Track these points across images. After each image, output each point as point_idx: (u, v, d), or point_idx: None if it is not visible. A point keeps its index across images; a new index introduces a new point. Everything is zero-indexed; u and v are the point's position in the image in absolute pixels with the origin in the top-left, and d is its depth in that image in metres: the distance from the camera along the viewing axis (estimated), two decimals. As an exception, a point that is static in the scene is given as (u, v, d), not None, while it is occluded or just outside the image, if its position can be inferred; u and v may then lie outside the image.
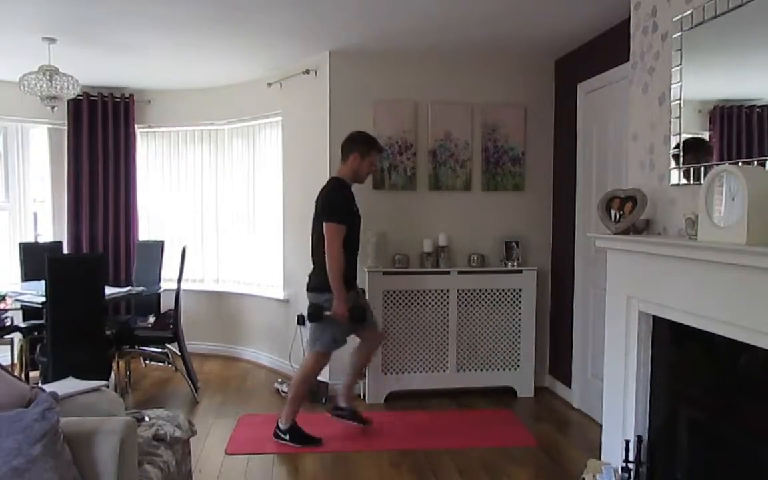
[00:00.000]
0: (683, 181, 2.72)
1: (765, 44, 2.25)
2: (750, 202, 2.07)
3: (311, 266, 3.88)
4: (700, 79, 2.64)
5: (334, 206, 3.72)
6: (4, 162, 5.85)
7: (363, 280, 4.64)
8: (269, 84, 5.30)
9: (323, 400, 4.49)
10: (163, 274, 5.27)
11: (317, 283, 3.75)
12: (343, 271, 3.65)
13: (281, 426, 3.86)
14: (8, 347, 4.84)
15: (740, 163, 2.37)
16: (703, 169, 2.59)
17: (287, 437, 3.83)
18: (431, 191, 4.81)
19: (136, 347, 5.05)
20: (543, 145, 4.95)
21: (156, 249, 5.35)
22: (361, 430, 4.04)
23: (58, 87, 4.42)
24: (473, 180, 4.88)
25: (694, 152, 2.68)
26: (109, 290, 4.51)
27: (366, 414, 4.15)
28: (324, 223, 3.68)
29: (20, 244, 5.39)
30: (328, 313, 3.68)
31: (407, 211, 4.79)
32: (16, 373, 4.58)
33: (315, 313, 3.71)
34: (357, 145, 3.84)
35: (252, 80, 5.58)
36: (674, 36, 2.72)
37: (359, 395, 4.69)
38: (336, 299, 3.64)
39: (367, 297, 4.35)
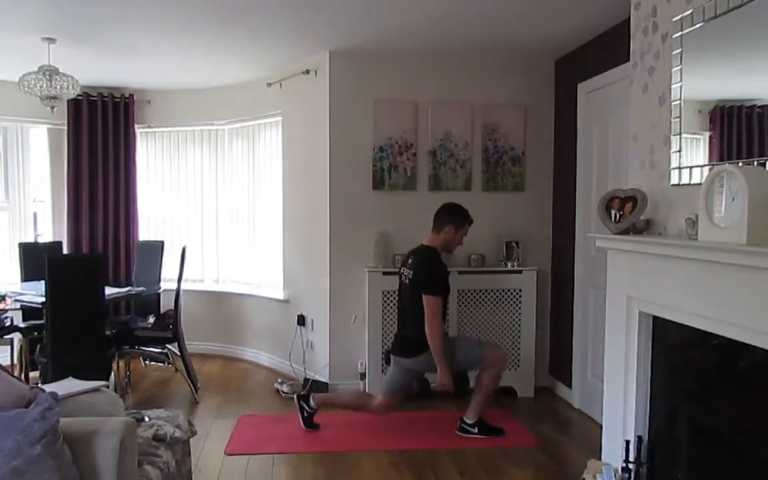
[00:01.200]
0: (683, 181, 2.71)
1: (765, 44, 2.25)
2: (750, 202, 2.07)
3: (398, 325, 4.12)
4: (700, 79, 2.64)
5: (438, 280, 3.83)
6: (4, 162, 5.85)
7: (363, 280, 4.66)
8: (269, 84, 5.30)
9: (306, 394, 4.48)
10: (163, 274, 5.27)
11: (410, 348, 3.87)
12: (442, 341, 3.77)
13: (469, 420, 3.94)
14: (8, 347, 4.84)
15: (740, 164, 2.37)
16: (702, 169, 2.59)
17: (475, 430, 3.92)
18: (431, 191, 4.81)
19: (136, 347, 5.05)
20: (543, 145, 4.95)
21: (156, 249, 5.35)
22: (361, 427, 4.05)
23: (58, 87, 4.41)
24: (473, 180, 4.87)
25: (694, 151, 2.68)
26: (109, 290, 4.51)
27: (366, 414, 4.15)
28: (426, 296, 3.75)
29: (20, 244, 5.38)
30: (434, 386, 3.91)
31: (407, 211, 4.79)
32: (16, 373, 4.58)
33: (423, 390, 4.01)
34: (453, 218, 3.93)
35: (252, 80, 5.58)
36: (674, 36, 2.72)
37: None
38: (440, 370, 3.74)
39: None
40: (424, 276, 3.83)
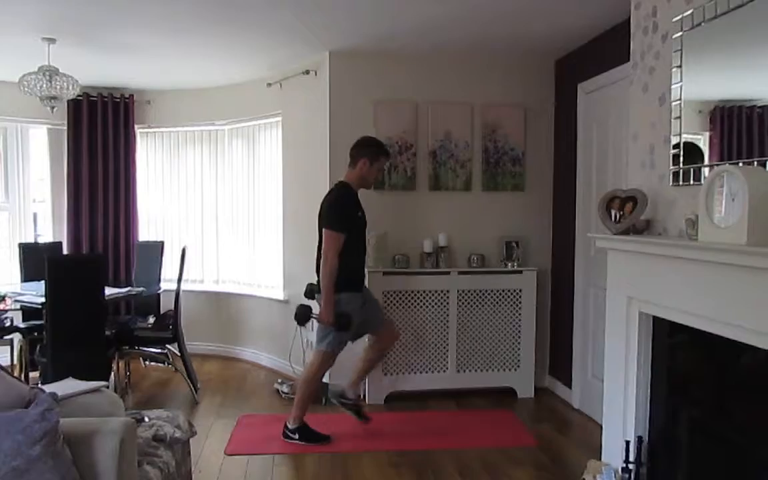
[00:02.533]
0: (683, 181, 2.71)
1: (765, 44, 2.25)
2: (750, 202, 2.07)
3: (314, 268, 3.89)
4: (700, 79, 2.64)
5: (336, 214, 3.74)
6: (4, 162, 5.85)
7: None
8: (269, 84, 5.30)
9: (323, 402, 4.48)
10: (163, 275, 5.27)
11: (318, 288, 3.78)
12: (334, 277, 3.66)
13: (290, 426, 3.87)
14: (8, 348, 4.84)
15: (740, 164, 2.37)
16: (703, 169, 2.59)
17: (296, 436, 3.84)
18: (431, 191, 4.81)
19: (136, 348, 5.05)
20: (543, 145, 4.95)
21: (156, 249, 5.35)
22: (361, 427, 4.04)
23: (58, 87, 4.41)
24: (473, 180, 4.87)
25: (692, 154, 2.68)
26: (109, 290, 4.51)
27: (366, 413, 4.15)
28: (324, 229, 3.71)
29: (20, 244, 5.38)
30: (314, 316, 3.71)
31: (407, 211, 4.79)
32: (16, 373, 4.58)
33: (302, 315, 3.77)
34: (366, 150, 3.84)
35: (252, 80, 5.58)
36: (674, 36, 2.72)
37: (359, 396, 4.69)
38: (324, 304, 3.67)
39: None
40: (326, 210, 3.76)
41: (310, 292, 3.93)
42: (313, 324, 3.99)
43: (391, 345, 4.24)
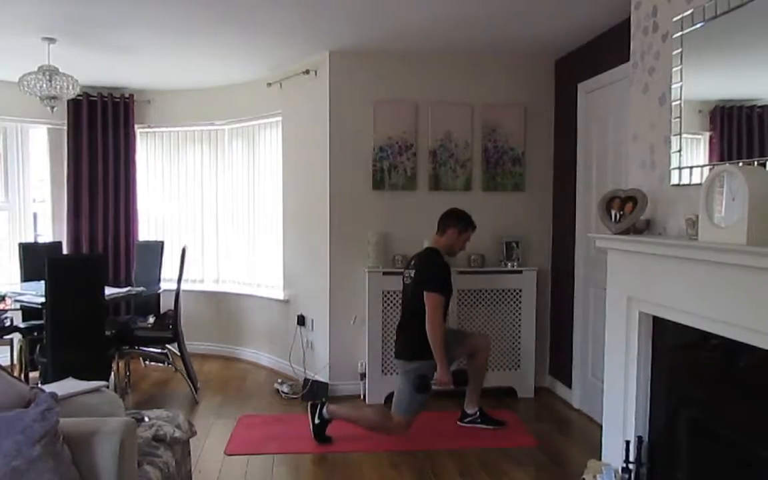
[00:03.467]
0: (684, 181, 2.71)
1: (765, 44, 2.25)
2: (750, 202, 2.07)
3: (396, 327, 4.06)
4: (700, 79, 2.64)
5: (440, 278, 3.83)
6: (3, 162, 5.85)
7: (363, 280, 4.65)
8: (269, 84, 5.30)
9: (323, 401, 4.47)
10: (163, 275, 5.27)
11: (414, 350, 3.80)
12: (443, 339, 3.75)
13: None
14: (8, 348, 4.84)
15: (741, 164, 2.36)
16: (703, 169, 2.59)
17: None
18: (431, 191, 4.81)
19: (136, 347, 5.05)
20: (543, 145, 4.95)
21: (156, 249, 5.35)
22: (348, 428, 3.95)
23: (58, 87, 4.41)
24: (473, 180, 4.87)
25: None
26: (109, 290, 4.51)
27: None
28: (427, 293, 3.76)
29: (20, 244, 5.38)
30: (434, 382, 3.79)
31: (407, 211, 4.79)
32: (16, 373, 4.58)
33: (424, 385, 3.78)
34: (457, 222, 3.98)
35: (252, 80, 5.58)
36: (674, 36, 2.72)
37: (360, 395, 4.70)
38: (440, 367, 3.73)
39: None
40: (425, 274, 3.85)
41: (421, 381, 3.81)
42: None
43: (489, 351, 4.21)
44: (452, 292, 4.00)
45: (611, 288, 3.08)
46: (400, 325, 4.06)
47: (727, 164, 2.34)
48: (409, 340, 3.87)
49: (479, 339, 4.23)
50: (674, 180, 2.77)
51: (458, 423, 4.13)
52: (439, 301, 3.76)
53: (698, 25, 2.57)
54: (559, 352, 4.86)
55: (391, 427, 3.85)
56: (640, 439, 2.86)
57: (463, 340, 4.12)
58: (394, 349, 4.10)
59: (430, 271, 3.85)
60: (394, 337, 4.11)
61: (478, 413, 4.10)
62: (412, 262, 4.00)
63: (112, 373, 4.52)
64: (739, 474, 2.42)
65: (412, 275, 3.91)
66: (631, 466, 2.82)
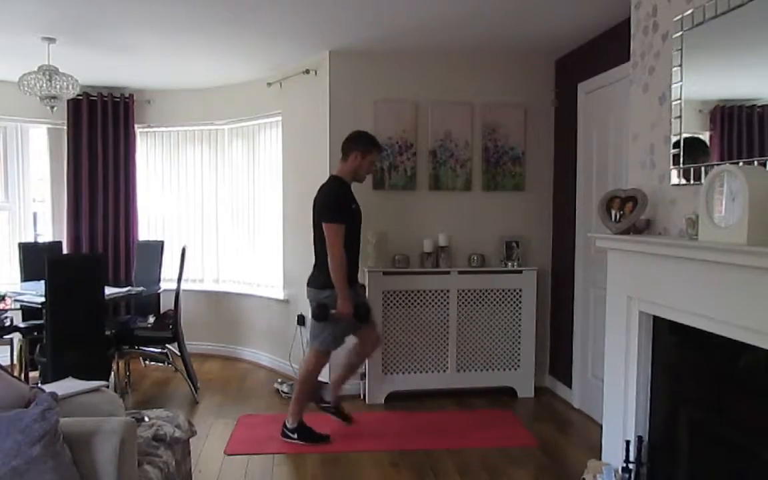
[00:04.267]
0: (684, 181, 2.71)
1: (765, 44, 2.25)
2: (751, 202, 2.07)
3: (312, 265, 3.88)
4: (700, 78, 2.64)
5: (333, 206, 3.73)
6: (4, 162, 5.84)
7: (363, 280, 4.64)
8: (269, 84, 5.30)
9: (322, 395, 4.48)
10: (163, 274, 5.27)
11: (318, 281, 3.76)
12: (345, 268, 3.66)
13: (288, 425, 3.87)
14: (8, 347, 4.84)
15: (741, 163, 2.36)
16: (703, 169, 2.59)
17: (295, 436, 3.84)
18: (431, 191, 4.81)
19: (136, 347, 5.05)
20: (543, 145, 4.95)
21: (156, 249, 5.34)
22: (360, 427, 4.05)
23: (58, 87, 4.41)
24: (473, 180, 4.87)
25: (693, 152, 2.68)
26: (109, 290, 4.51)
27: (366, 414, 4.15)
28: (324, 224, 3.69)
29: (20, 244, 5.38)
30: (333, 311, 3.68)
31: (407, 211, 4.79)
32: (16, 373, 4.58)
33: (320, 312, 3.71)
34: (358, 144, 3.84)
35: (252, 80, 5.58)
36: (675, 36, 2.72)
37: (360, 395, 4.70)
38: (340, 298, 3.64)
39: (367, 295, 4.35)
40: (322, 204, 3.75)
41: (320, 310, 3.78)
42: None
43: (373, 350, 4.18)
44: (359, 219, 3.88)
45: (611, 288, 3.08)
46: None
47: (727, 164, 2.34)
48: (318, 270, 3.79)
49: (374, 332, 4.05)
50: (674, 180, 2.77)
51: (320, 402, 4.01)
52: (336, 230, 3.65)
53: (698, 25, 2.57)
54: (559, 352, 4.86)
55: (310, 365, 3.84)
56: (640, 439, 2.86)
57: (366, 314, 3.91)
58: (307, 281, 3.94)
59: (326, 201, 3.74)
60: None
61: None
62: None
63: (112, 373, 4.51)
64: (739, 474, 2.42)
65: (313, 206, 3.81)
66: (631, 466, 2.82)
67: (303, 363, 4.01)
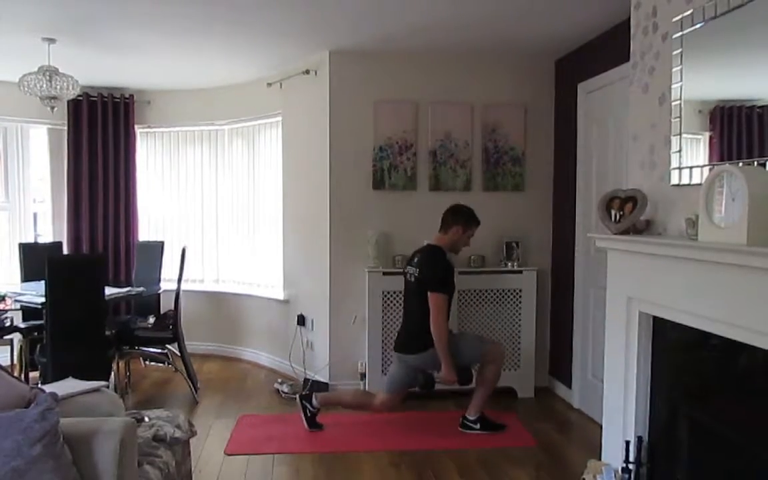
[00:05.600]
0: (683, 181, 2.71)
1: (765, 44, 2.25)
2: (750, 202, 2.07)
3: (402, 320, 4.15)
4: (700, 79, 2.64)
5: (444, 279, 3.87)
6: (4, 162, 5.85)
7: (363, 280, 4.66)
8: (269, 84, 5.30)
9: (310, 391, 4.48)
10: (163, 275, 5.27)
11: (413, 346, 3.91)
12: (446, 338, 3.80)
13: (470, 417, 4.02)
14: (8, 348, 4.84)
15: (741, 164, 2.36)
16: (702, 169, 2.59)
17: (477, 426, 3.99)
18: (431, 191, 4.81)
19: (136, 348, 5.05)
20: (543, 145, 4.95)
21: (156, 249, 5.35)
22: (359, 428, 4.05)
23: (58, 87, 4.41)
24: (473, 180, 4.87)
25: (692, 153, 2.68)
26: (109, 290, 4.51)
27: (366, 414, 4.16)
28: (431, 293, 3.79)
29: (20, 244, 5.38)
30: (436, 375, 3.86)
31: (407, 211, 4.79)
32: (16, 373, 4.58)
33: (428, 384, 3.90)
34: (460, 218, 3.98)
35: (252, 80, 5.58)
36: (674, 36, 2.72)
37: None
38: (444, 366, 3.79)
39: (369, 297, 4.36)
40: (429, 274, 3.86)
41: (402, 345, 4.00)
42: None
43: (502, 359, 4.17)
44: (455, 289, 4.03)
45: (611, 288, 3.08)
46: (403, 322, 4.09)
47: (727, 164, 2.34)
48: (410, 336, 3.93)
49: (493, 349, 4.05)
50: (674, 180, 2.77)
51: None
52: (443, 301, 3.79)
53: (698, 25, 2.57)
54: (559, 352, 4.86)
55: (376, 405, 4.02)
56: (640, 439, 2.86)
57: (477, 346, 4.02)
58: (394, 343, 4.12)
59: (434, 271, 3.85)
60: (395, 335, 4.14)
61: (478, 422, 4.01)
62: (415, 259, 4.00)
63: (112, 373, 4.51)
64: (739, 474, 2.42)
65: (416, 273, 3.91)
66: (631, 466, 2.82)
67: (366, 395, 4.22)
